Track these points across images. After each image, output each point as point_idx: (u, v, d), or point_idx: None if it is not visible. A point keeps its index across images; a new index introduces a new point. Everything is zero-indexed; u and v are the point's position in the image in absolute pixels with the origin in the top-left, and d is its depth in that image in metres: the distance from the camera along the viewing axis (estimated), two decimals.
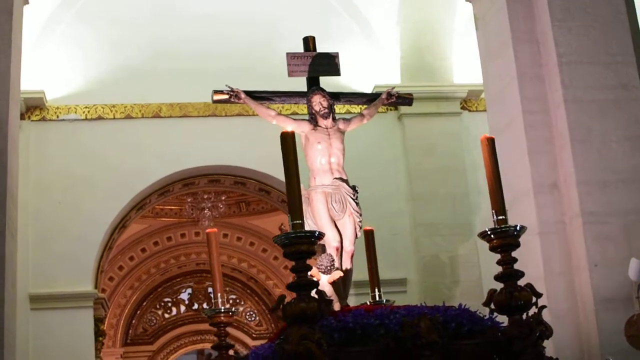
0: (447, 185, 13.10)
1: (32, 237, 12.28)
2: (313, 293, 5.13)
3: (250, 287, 21.88)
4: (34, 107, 12.88)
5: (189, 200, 18.02)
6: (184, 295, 22.38)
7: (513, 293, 5.58)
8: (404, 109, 13.37)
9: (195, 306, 22.22)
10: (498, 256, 8.35)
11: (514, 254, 5.77)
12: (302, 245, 5.05)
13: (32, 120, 12.86)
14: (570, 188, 8.14)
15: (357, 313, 5.75)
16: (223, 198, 18.00)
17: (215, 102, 7.82)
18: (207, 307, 21.50)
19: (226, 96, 7.65)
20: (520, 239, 8.09)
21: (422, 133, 13.36)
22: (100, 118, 13.12)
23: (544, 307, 5.70)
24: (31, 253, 12.22)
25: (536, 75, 8.55)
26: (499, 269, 5.79)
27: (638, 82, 8.47)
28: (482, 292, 12.30)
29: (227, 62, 13.12)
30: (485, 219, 12.43)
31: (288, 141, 5.30)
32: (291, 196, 5.18)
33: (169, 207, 18.27)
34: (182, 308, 22.41)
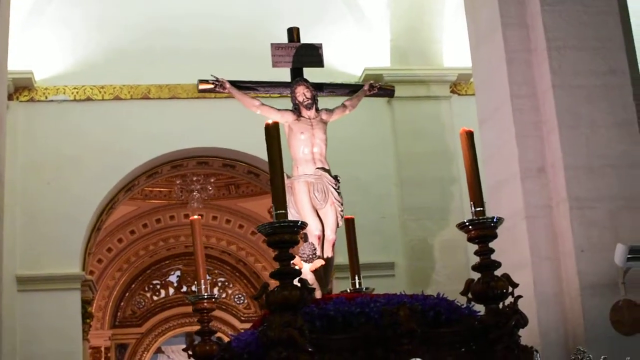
0: (436, 169, 13.09)
1: (19, 218, 12.26)
2: (295, 281, 5.21)
3: (239, 269, 21.89)
4: (22, 88, 12.84)
5: (178, 182, 18.01)
6: (173, 278, 22.39)
7: (490, 283, 5.72)
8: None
9: (184, 289, 22.22)
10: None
11: (497, 240, 5.83)
12: (285, 235, 5.14)
13: (21, 101, 12.83)
14: (558, 173, 8.14)
15: (339, 301, 5.90)
16: (212, 180, 18.00)
17: (200, 91, 7.93)
18: (194, 291, 21.54)
19: (211, 86, 7.74)
20: (507, 223, 8.12)
21: (411, 117, 13.34)
22: (89, 99, 13.10)
23: (519, 296, 5.83)
24: (19, 234, 12.21)
25: (525, 60, 8.54)
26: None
27: (627, 68, 8.47)
28: (469, 276, 12.29)
29: (218, 43, 13.13)
30: None
31: (272, 132, 5.42)
32: (275, 186, 5.27)
33: (158, 189, 18.26)
34: (171, 290, 22.41)
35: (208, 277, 21.04)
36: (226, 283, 22.18)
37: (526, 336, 7.91)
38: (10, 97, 12.12)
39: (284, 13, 13.15)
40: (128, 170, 13.07)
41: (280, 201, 5.23)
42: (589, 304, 7.83)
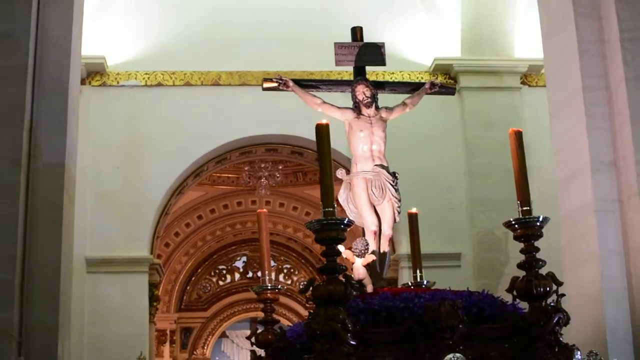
0: (504, 160, 12.77)
1: (90, 201, 12.42)
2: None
3: (305, 256, 21.96)
4: (95, 73, 13.01)
5: (246, 168, 18.08)
6: (239, 263, 22.51)
7: (533, 281, 5.86)
8: (463, 82, 13.29)
9: (250, 274, 22.34)
10: (557, 233, 8.34)
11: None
12: (332, 232, 5.41)
13: (93, 86, 12.99)
14: (629, 167, 8.03)
15: (384, 296, 6.13)
16: (280, 167, 18.03)
17: (265, 89, 8.02)
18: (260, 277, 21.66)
19: (275, 84, 7.88)
20: (576, 216, 8.08)
21: (480, 107, 13.27)
22: (159, 85, 13.22)
23: (562, 295, 5.95)
24: (89, 217, 12.36)
25: (598, 51, 8.44)
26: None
27: None
28: None
29: (287, 31, 13.19)
30: (543, 195, 12.32)
31: (322, 133, 5.66)
32: (324, 185, 5.48)
33: (226, 175, 18.34)
34: (237, 276, 22.55)
35: (274, 264, 21.37)
36: (292, 270, 22.27)
37: (593, 331, 7.86)
38: (83, 82, 12.24)
39: (353, 2, 13.15)
40: (197, 155, 13.17)
41: (328, 199, 5.43)
42: None
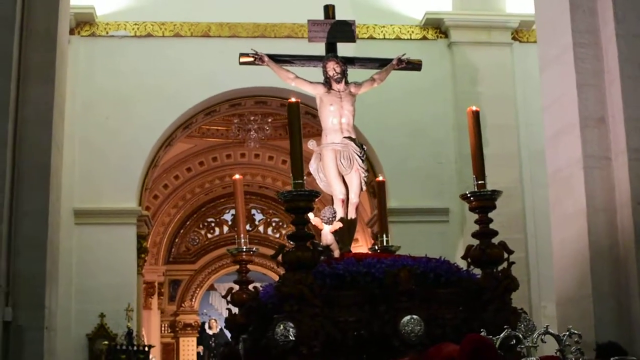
0: (494, 115, 12.93)
1: (78, 152, 12.40)
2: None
3: None
4: (84, 23, 12.94)
5: (235, 121, 18.01)
6: (227, 216, 22.48)
7: (485, 250, 6.34)
8: (454, 36, 13.26)
9: None
10: (545, 188, 8.43)
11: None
12: (301, 202, 5.93)
13: (82, 36, 12.92)
14: (618, 124, 8.03)
15: (348, 261, 6.50)
16: (269, 120, 17.97)
17: (241, 64, 8.38)
18: (248, 230, 21.66)
19: (251, 59, 8.30)
20: (564, 172, 8.10)
21: (471, 62, 13.25)
22: (149, 35, 13.16)
23: (512, 263, 6.39)
24: (77, 168, 12.35)
25: (589, 7, 8.39)
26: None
27: None
28: (524, 223, 12.24)
29: None
30: (534, 151, 12.34)
31: (293, 110, 6.07)
32: (294, 158, 5.91)
33: (216, 127, 18.28)
34: (225, 229, 22.54)
35: (262, 217, 21.33)
36: (280, 223, 22.29)
37: (579, 287, 7.90)
38: (71, 32, 12.18)
39: None
40: (186, 107, 13.15)
41: (298, 171, 5.86)
42: None
